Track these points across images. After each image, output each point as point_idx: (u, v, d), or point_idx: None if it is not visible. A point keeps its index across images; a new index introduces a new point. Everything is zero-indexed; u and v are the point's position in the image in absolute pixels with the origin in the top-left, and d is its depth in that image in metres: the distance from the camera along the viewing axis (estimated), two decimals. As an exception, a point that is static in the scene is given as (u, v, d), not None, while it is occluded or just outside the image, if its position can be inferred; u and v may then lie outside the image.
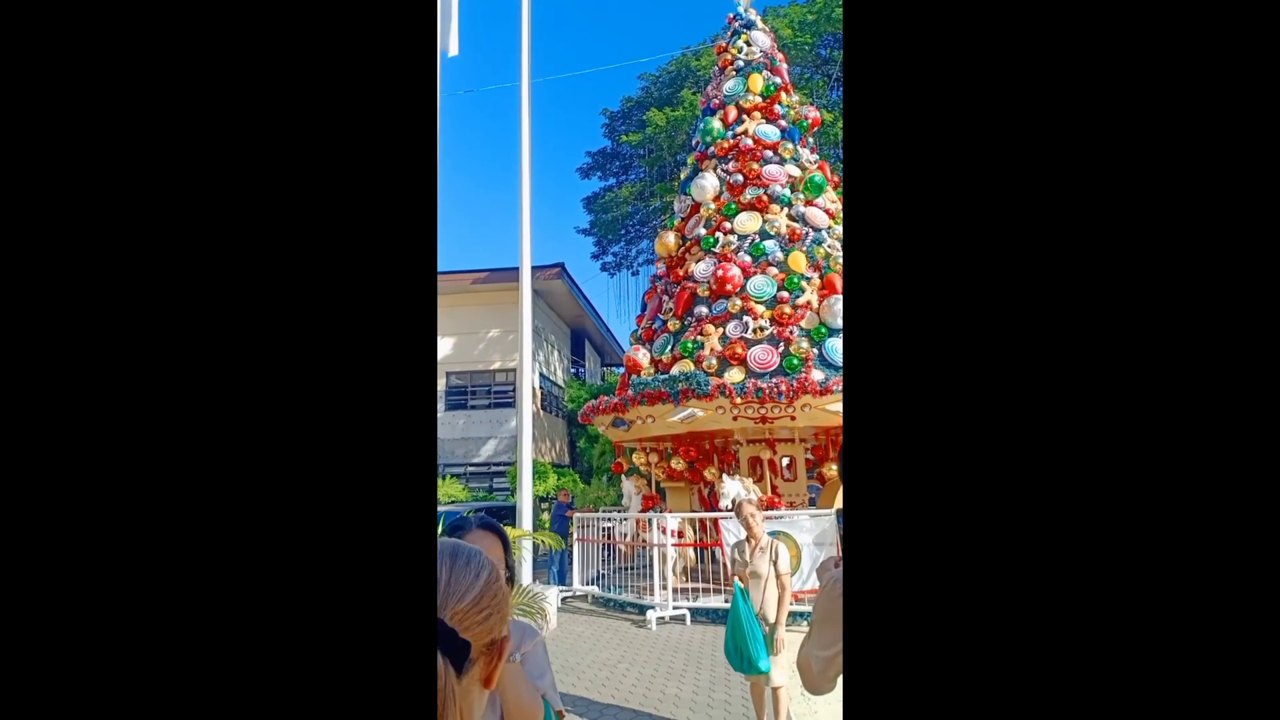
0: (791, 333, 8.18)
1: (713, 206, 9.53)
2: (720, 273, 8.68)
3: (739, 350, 8.22)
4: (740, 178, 9.40)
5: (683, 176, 11.00)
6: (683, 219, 10.14)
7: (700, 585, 7.51)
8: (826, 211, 9.27)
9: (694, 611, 6.76)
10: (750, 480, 7.78)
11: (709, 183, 9.57)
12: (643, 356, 9.08)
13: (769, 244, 8.88)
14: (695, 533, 7.85)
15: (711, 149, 9.94)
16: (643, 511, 8.62)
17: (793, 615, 3.68)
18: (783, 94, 10.20)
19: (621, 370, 11.14)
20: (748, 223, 9.16)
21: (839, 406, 7.37)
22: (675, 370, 8.38)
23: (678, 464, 9.34)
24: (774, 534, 4.37)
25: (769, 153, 9.56)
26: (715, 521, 7.23)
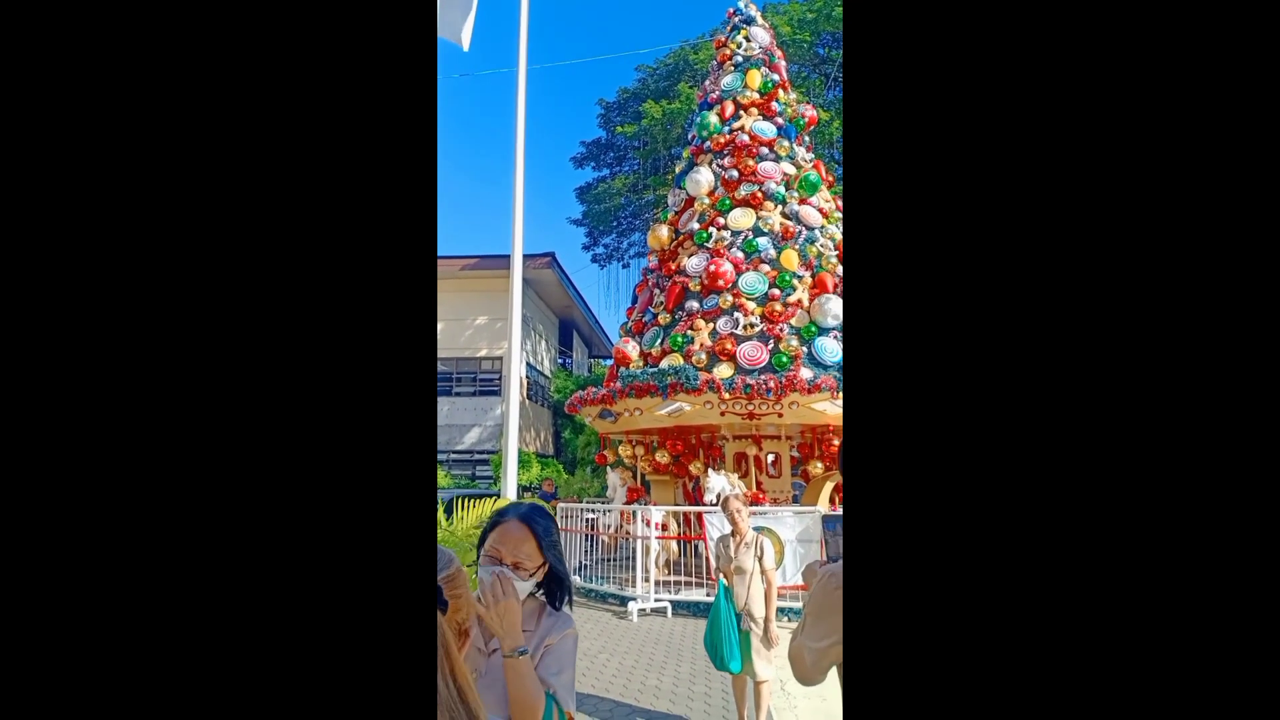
0: (782, 330, 8.20)
1: (707, 201, 9.52)
2: (712, 268, 8.67)
3: (729, 346, 8.23)
4: (735, 173, 9.38)
5: (677, 170, 10.97)
6: (676, 213, 10.12)
7: (682, 579, 7.53)
8: (820, 210, 9.29)
9: (675, 604, 6.78)
10: (735, 476, 7.82)
11: (704, 177, 9.55)
12: (632, 349, 9.07)
13: (762, 241, 8.89)
14: (679, 526, 7.87)
15: (707, 144, 9.92)
16: (627, 504, 8.63)
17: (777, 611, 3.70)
18: (780, 91, 10.18)
19: (609, 362, 11.12)
20: (741, 219, 9.16)
21: (826, 405, 7.42)
22: (664, 364, 8.37)
23: (663, 457, 9.35)
24: (758, 530, 4.39)
25: (765, 149, 9.55)
26: (699, 516, 7.25)
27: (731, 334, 8.35)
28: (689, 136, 11.02)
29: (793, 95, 10.74)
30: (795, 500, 8.35)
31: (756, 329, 8.31)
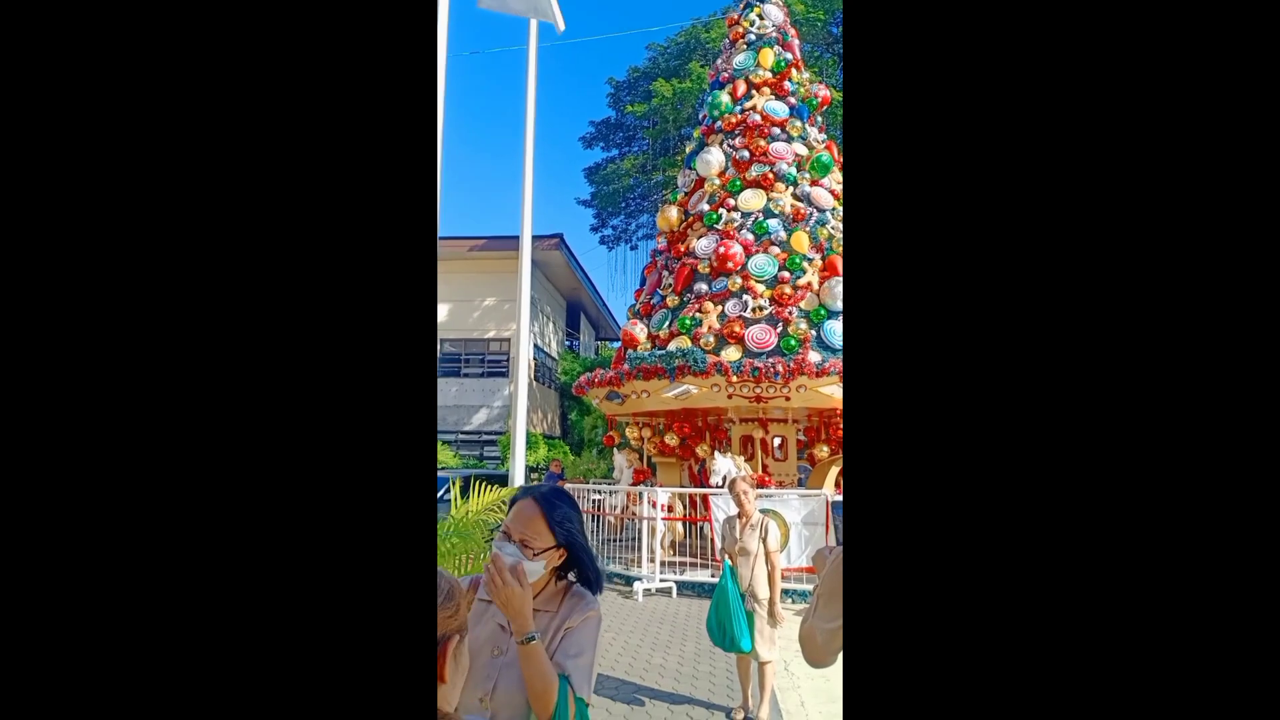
0: (790, 313, 8.14)
1: (717, 182, 9.41)
2: (722, 250, 8.60)
3: (737, 329, 8.19)
4: (746, 154, 9.27)
5: (688, 150, 10.85)
6: (686, 194, 10.02)
7: (687, 559, 7.58)
8: (832, 192, 9.17)
9: (680, 585, 6.83)
10: (741, 458, 7.82)
11: (714, 158, 9.44)
12: (640, 331, 9.05)
13: (772, 223, 8.80)
14: (685, 508, 7.90)
15: (718, 123, 9.79)
16: (634, 485, 8.66)
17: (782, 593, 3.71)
18: (793, 70, 10.02)
19: (617, 344, 11.10)
20: (752, 200, 9.06)
21: (834, 389, 7.38)
22: (672, 346, 8.35)
23: (670, 439, 9.36)
24: (764, 512, 4.39)
25: (777, 130, 9.42)
26: (705, 497, 7.28)
27: (740, 317, 8.31)
28: (700, 116, 10.87)
29: (806, 74, 10.56)
30: (801, 483, 8.36)
31: (765, 312, 8.26)
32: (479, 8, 5.90)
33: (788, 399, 7.60)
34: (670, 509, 7.73)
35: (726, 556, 3.58)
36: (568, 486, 8.83)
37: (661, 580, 6.87)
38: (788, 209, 8.90)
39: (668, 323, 8.95)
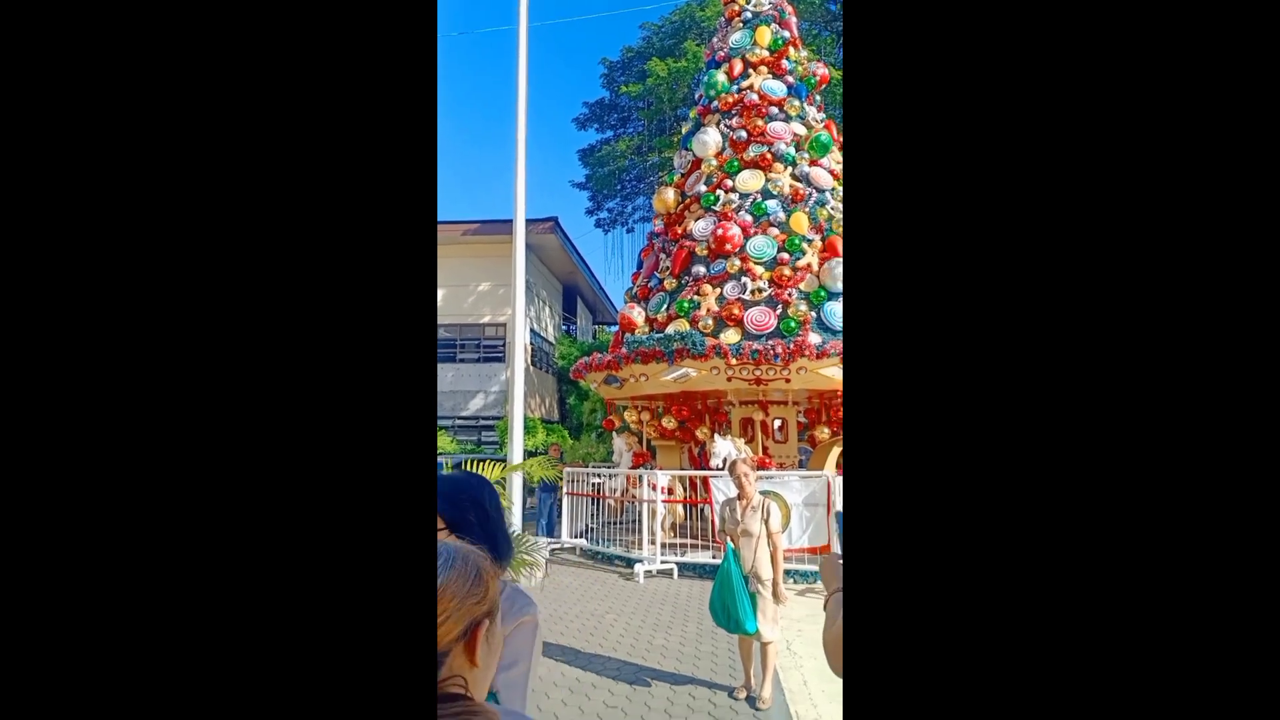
0: (790, 295, 8.10)
1: (714, 163, 9.32)
2: (720, 232, 8.54)
3: (736, 311, 8.16)
4: (744, 134, 9.16)
5: (684, 131, 10.73)
6: (682, 175, 9.92)
7: (688, 541, 7.62)
8: (831, 172, 9.09)
9: (681, 566, 6.87)
10: (741, 440, 7.83)
11: (711, 138, 9.34)
12: (638, 314, 9.00)
13: (771, 204, 8.73)
14: (685, 490, 7.92)
15: (715, 103, 9.67)
16: (633, 468, 8.67)
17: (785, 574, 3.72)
18: (791, 49, 9.87)
19: (614, 328, 11.06)
20: (750, 181, 8.97)
21: (834, 370, 7.37)
22: (670, 329, 8.31)
23: (669, 423, 9.36)
24: (765, 494, 4.39)
25: (774, 109, 9.32)
26: (705, 480, 7.29)
27: (739, 299, 8.26)
28: (695, 96, 10.74)
29: (804, 53, 10.42)
30: (802, 465, 8.38)
31: (764, 294, 8.21)
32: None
33: (788, 381, 7.59)
34: (670, 491, 7.75)
35: (727, 538, 3.58)
36: (568, 470, 8.86)
37: (662, 562, 6.91)
38: (786, 189, 8.82)
39: (666, 306, 8.90)
